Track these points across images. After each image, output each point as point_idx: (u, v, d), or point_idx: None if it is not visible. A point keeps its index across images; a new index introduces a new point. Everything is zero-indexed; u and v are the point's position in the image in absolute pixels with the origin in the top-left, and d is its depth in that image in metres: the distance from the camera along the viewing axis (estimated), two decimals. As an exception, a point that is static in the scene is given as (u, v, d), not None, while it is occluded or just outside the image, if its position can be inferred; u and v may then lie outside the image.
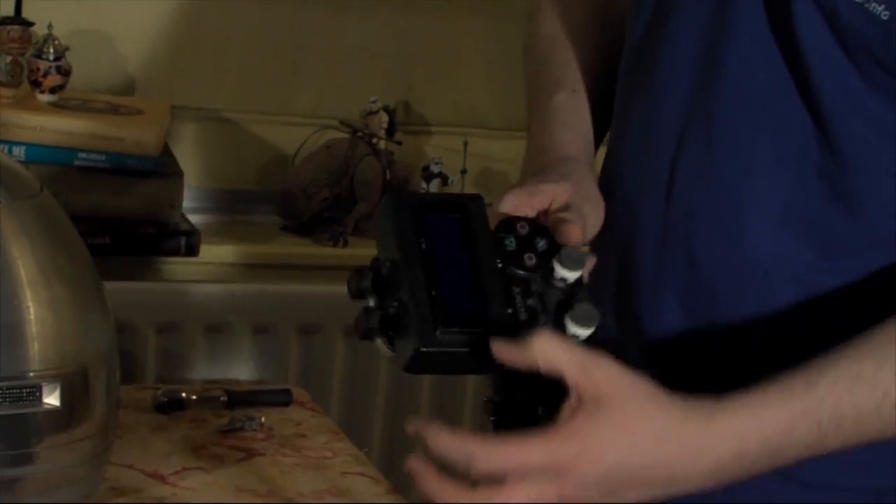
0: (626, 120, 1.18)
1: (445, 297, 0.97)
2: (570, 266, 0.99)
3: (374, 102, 2.32)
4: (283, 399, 1.74)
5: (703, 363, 1.13)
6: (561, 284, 0.99)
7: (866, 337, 1.01)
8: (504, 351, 0.96)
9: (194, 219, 2.17)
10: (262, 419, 1.67)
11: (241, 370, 2.13)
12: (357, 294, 0.99)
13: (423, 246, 0.98)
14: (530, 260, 1.00)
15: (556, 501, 0.95)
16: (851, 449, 1.02)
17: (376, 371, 2.21)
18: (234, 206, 2.33)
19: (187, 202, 2.17)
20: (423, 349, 0.96)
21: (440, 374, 1.00)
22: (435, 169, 2.38)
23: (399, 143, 2.34)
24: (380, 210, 1.01)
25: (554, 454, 0.94)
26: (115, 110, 2.11)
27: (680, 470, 0.97)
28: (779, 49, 1.06)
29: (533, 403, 0.98)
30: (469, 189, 2.38)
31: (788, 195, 1.07)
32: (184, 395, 1.71)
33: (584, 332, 0.98)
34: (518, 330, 0.97)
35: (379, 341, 0.98)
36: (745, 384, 1.10)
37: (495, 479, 0.94)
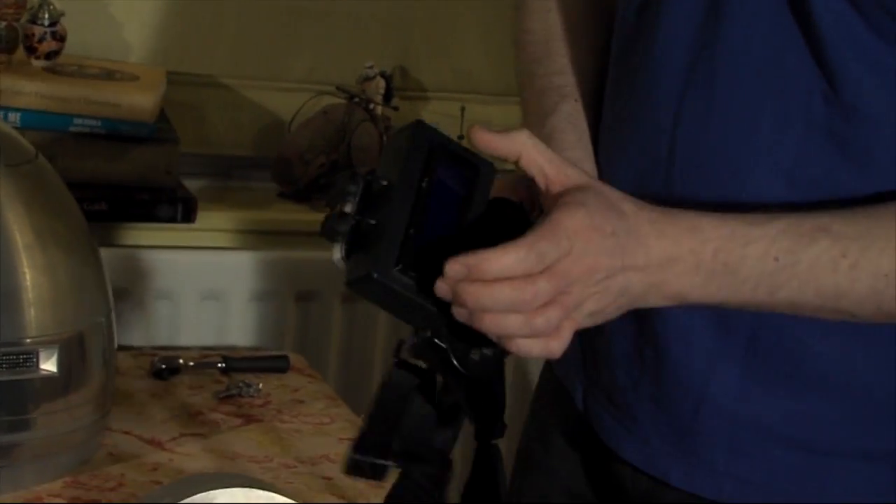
0: (620, 95, 1.17)
1: (419, 242, 0.97)
2: None
3: (370, 68, 2.31)
4: (280, 365, 1.74)
5: (709, 326, 1.12)
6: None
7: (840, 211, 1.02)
8: (488, 138, 0.99)
9: (190, 185, 2.16)
10: (260, 385, 1.67)
11: (239, 337, 2.13)
12: (339, 194, 0.99)
13: (424, 185, 0.98)
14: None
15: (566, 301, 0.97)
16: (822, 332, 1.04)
17: (374, 337, 2.21)
18: (230, 172, 2.32)
19: (183, 168, 2.16)
20: (375, 276, 0.95)
21: (375, 306, 0.99)
22: (432, 135, 2.37)
23: (396, 108, 2.33)
24: (401, 131, 1.01)
25: (551, 245, 0.96)
26: (110, 76, 2.10)
27: (652, 246, 0.99)
28: (784, 1, 1.04)
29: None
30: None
31: (794, 155, 1.06)
32: (181, 361, 1.71)
33: None
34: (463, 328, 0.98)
35: (337, 247, 0.98)
36: (753, 346, 1.10)
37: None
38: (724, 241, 1.00)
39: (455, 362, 0.98)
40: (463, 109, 2.38)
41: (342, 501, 1.40)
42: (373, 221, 0.97)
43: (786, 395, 1.12)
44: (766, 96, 1.06)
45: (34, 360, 1.33)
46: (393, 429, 1.02)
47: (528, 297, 0.96)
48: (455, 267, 0.95)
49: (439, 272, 0.95)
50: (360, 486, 1.43)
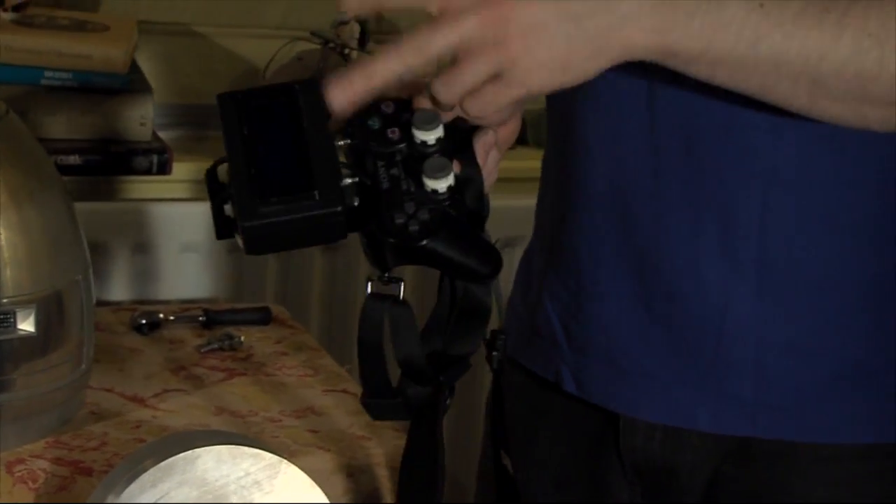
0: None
1: (263, 173, 0.98)
2: (423, 127, 0.99)
3: (344, 12, 2.28)
4: (261, 317, 1.73)
5: (717, 255, 1.11)
6: (425, 150, 0.99)
7: None
8: None
9: (165, 136, 2.14)
10: (242, 338, 1.65)
11: (219, 289, 2.11)
12: (211, 196, 1.01)
13: (245, 132, 1.00)
14: (393, 134, 1.00)
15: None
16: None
17: (356, 287, 2.19)
18: (205, 122, 2.29)
19: (158, 119, 2.13)
20: (245, 224, 0.97)
21: (286, 250, 1.01)
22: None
23: (371, 53, 2.31)
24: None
25: None
26: (80, 27, 2.07)
27: None
28: None
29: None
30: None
31: None
32: (161, 315, 1.69)
33: (440, 185, 0.98)
34: (382, 198, 0.98)
35: (237, 237, 0.99)
36: (762, 264, 1.08)
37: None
38: None
39: (392, 239, 0.98)
40: (439, 53, 2.36)
41: (329, 454, 1.39)
42: (227, 196, 1.00)
43: (805, 308, 1.10)
44: None
45: (11, 320, 1.31)
46: (383, 363, 1.03)
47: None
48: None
49: (300, 181, 0.96)
50: (346, 438, 1.42)
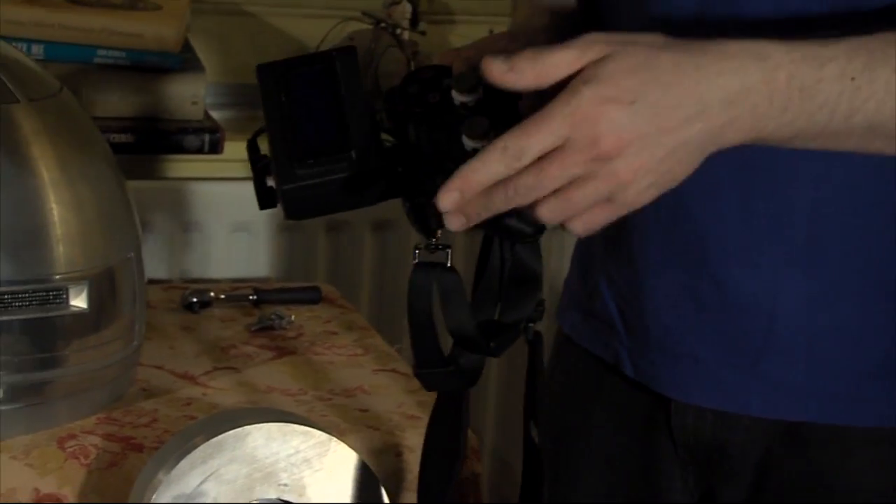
0: None
1: (301, 138, 0.99)
2: (462, 88, 0.98)
3: (396, -8, 2.28)
4: (312, 296, 1.73)
5: (766, 239, 1.10)
6: (465, 112, 0.98)
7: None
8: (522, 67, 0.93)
9: (217, 115, 2.14)
10: (292, 317, 1.65)
11: (269, 268, 2.12)
12: (252, 166, 1.03)
13: (283, 99, 1.00)
14: (434, 98, 1.00)
15: (609, 185, 0.93)
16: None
17: (406, 266, 2.17)
18: (257, 102, 2.28)
19: (209, 98, 2.14)
20: (284, 187, 0.98)
21: (327, 213, 1.02)
22: (460, 59, 2.34)
23: (423, 33, 2.30)
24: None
25: (573, 115, 0.91)
26: (133, 6, 2.07)
27: (705, 91, 0.93)
28: None
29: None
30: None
31: None
32: (212, 294, 1.70)
33: (480, 144, 0.96)
34: (422, 160, 0.98)
35: (279, 205, 1.01)
36: (813, 248, 1.08)
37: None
38: (796, 64, 0.94)
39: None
40: (491, 32, 2.35)
41: (379, 433, 1.39)
42: (266, 164, 1.01)
43: (855, 293, 1.09)
44: None
45: (64, 296, 1.31)
46: (434, 332, 1.03)
47: (511, 194, 0.93)
48: (448, 197, 0.93)
49: (336, 145, 0.97)
50: (395, 418, 1.41)
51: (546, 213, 0.94)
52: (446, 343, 1.05)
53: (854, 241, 1.09)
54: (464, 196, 0.93)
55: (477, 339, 1.04)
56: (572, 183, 0.93)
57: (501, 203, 0.93)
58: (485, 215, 0.94)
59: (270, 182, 1.01)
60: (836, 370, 1.11)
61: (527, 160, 0.92)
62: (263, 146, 1.04)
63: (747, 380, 1.14)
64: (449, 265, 1.01)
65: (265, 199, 1.02)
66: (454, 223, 0.95)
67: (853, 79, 0.95)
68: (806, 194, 1.08)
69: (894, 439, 1.12)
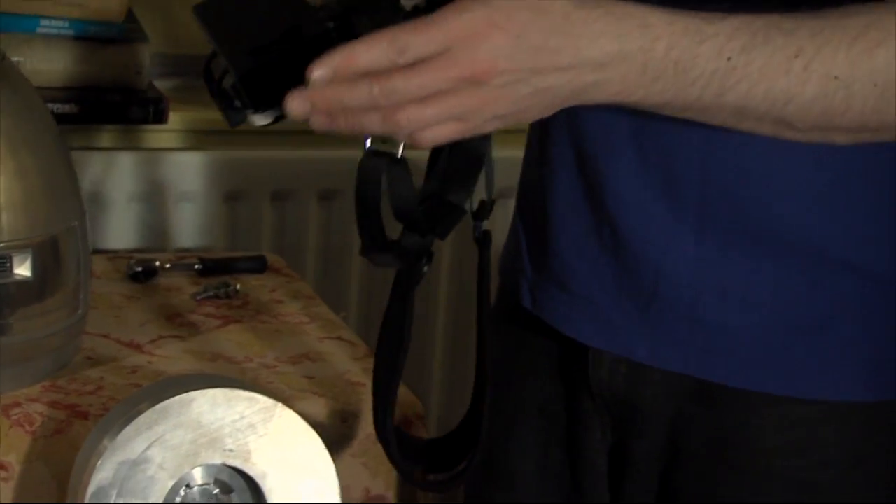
0: None
1: (249, 37, 1.00)
2: None
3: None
4: (257, 266, 1.74)
5: (659, 196, 1.12)
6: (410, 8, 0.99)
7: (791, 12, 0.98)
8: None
9: (162, 85, 2.14)
10: (237, 286, 1.66)
11: (214, 238, 2.11)
12: (210, 90, 1.05)
13: (226, 20, 1.02)
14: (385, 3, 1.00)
15: (477, 104, 0.95)
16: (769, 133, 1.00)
17: (351, 235, 2.19)
18: (201, 72, 2.29)
19: (154, 68, 2.13)
20: (241, 75, 0.99)
21: (290, 89, 1.01)
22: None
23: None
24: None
25: (460, 27, 0.93)
26: (76, -25, 2.06)
27: (584, 47, 0.95)
28: None
29: None
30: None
31: None
32: (157, 263, 1.70)
33: (410, 3, 0.98)
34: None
35: (252, 117, 1.02)
36: (703, 210, 1.10)
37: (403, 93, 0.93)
38: (676, 37, 0.96)
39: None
40: None
41: (324, 400, 1.39)
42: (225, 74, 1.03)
43: (742, 259, 1.11)
44: None
45: (8, 264, 1.32)
46: (379, 217, 1.04)
47: (376, 92, 0.93)
48: (322, 71, 0.94)
49: (287, 34, 0.97)
50: (340, 384, 1.42)
51: (402, 121, 0.95)
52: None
53: (743, 213, 1.10)
54: (336, 75, 0.93)
55: (419, 219, 1.05)
56: (433, 95, 0.94)
57: (364, 98, 0.94)
58: (341, 119, 0.95)
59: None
60: (719, 332, 1.13)
61: (407, 59, 0.93)
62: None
63: (635, 326, 1.16)
64: (399, 156, 1.02)
65: (233, 116, 1.04)
66: (316, 122, 0.96)
67: (729, 59, 0.96)
68: (697, 157, 1.10)
69: (798, 401, 1.14)
